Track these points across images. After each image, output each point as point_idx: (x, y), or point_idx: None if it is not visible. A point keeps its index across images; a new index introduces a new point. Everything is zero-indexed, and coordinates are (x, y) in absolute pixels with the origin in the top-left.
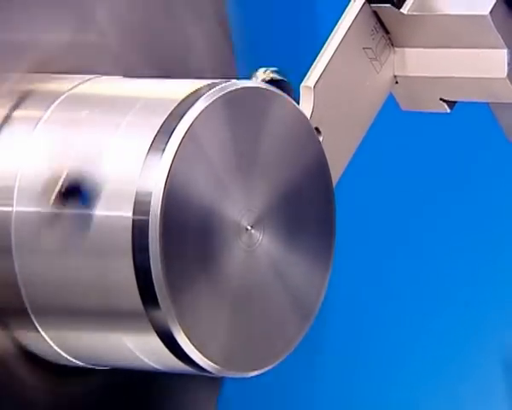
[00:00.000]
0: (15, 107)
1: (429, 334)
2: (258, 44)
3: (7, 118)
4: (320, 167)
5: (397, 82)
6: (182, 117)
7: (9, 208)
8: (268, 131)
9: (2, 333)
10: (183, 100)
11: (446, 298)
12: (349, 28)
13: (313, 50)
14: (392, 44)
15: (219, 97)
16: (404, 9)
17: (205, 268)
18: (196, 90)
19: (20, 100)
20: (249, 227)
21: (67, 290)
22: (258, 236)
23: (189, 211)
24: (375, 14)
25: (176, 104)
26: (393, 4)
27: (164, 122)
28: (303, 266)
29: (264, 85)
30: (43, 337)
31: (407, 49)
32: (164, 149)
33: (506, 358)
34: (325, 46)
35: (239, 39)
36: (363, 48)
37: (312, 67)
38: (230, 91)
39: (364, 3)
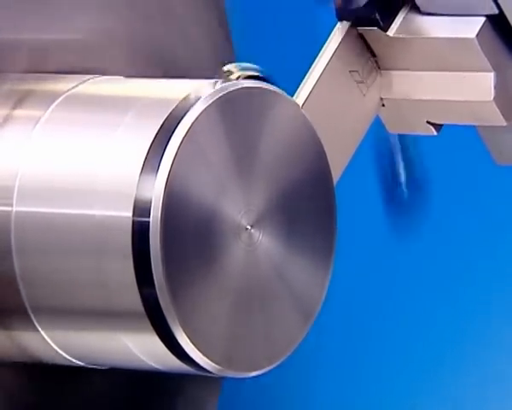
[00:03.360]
0: (15, 106)
1: (430, 334)
2: (257, 44)
3: (7, 118)
4: (321, 167)
5: (383, 105)
6: (182, 117)
7: (9, 208)
8: (268, 130)
9: (3, 333)
10: (183, 100)
11: (447, 299)
12: (335, 51)
13: (313, 51)
14: (379, 67)
15: (219, 97)
16: (391, 32)
17: (205, 268)
18: (196, 91)
19: (20, 100)
20: (249, 227)
21: (67, 290)
22: (257, 235)
23: (189, 211)
24: (362, 36)
25: (175, 104)
26: (379, 27)
27: (164, 122)
28: (304, 266)
29: (264, 85)
30: (43, 337)
31: (394, 72)
32: (164, 150)
33: (506, 358)
34: (311, 69)
35: (239, 39)
36: (350, 71)
37: (298, 89)
38: (230, 91)
39: (350, 26)
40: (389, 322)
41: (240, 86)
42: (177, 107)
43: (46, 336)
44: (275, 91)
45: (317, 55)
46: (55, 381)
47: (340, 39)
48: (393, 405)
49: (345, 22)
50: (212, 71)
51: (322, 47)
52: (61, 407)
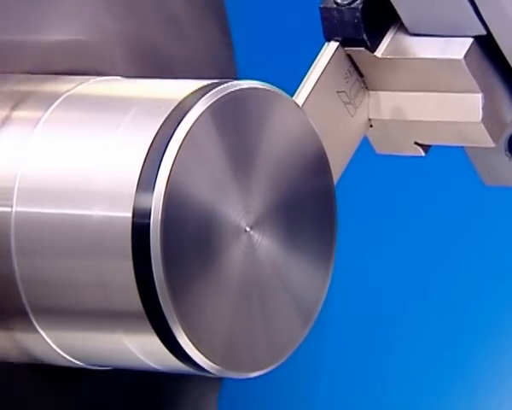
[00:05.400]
0: (15, 107)
1: (429, 335)
2: (258, 44)
3: (7, 118)
4: (321, 168)
5: (371, 125)
6: (181, 118)
7: (9, 209)
8: (268, 130)
9: (3, 333)
10: (183, 101)
11: (447, 300)
12: (322, 72)
13: (313, 51)
14: (367, 88)
15: (219, 98)
16: (378, 53)
17: (205, 269)
18: (196, 91)
19: (20, 100)
20: (248, 228)
21: (67, 291)
22: (257, 237)
23: (189, 212)
24: (349, 57)
25: (175, 105)
26: (367, 48)
27: (163, 123)
28: (304, 267)
29: (263, 85)
30: (43, 337)
31: (381, 93)
32: (164, 151)
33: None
34: (299, 89)
35: (239, 39)
36: (337, 91)
37: None
38: (231, 92)
39: (338, 47)
40: (389, 322)
41: (239, 87)
42: (176, 107)
43: (46, 337)
44: (275, 92)
45: (316, 55)
46: (55, 381)
47: (327, 60)
48: (393, 405)
49: (332, 42)
50: (211, 71)
51: (321, 47)
52: (60, 407)
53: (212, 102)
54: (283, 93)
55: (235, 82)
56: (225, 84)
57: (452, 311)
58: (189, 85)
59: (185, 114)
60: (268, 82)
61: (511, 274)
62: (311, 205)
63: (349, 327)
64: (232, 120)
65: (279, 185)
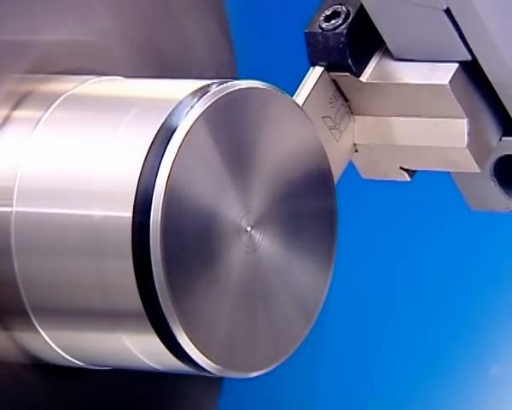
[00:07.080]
0: (15, 107)
1: (429, 334)
2: (258, 44)
3: (7, 118)
4: (321, 167)
5: (357, 150)
6: (182, 118)
7: (9, 209)
8: (268, 130)
9: (3, 333)
10: (183, 100)
11: (447, 300)
12: (307, 97)
13: None
14: (352, 112)
15: (219, 98)
16: (364, 78)
17: (205, 269)
18: (196, 91)
19: (20, 100)
20: (249, 228)
21: (67, 291)
22: (258, 237)
23: (188, 212)
24: (334, 82)
25: (175, 105)
26: (352, 73)
27: (163, 123)
28: (304, 267)
29: (263, 85)
30: (43, 337)
31: (367, 118)
32: (164, 151)
33: (504, 358)
34: None
35: (239, 39)
36: (322, 117)
37: None
38: (230, 92)
39: (323, 72)
40: (389, 322)
41: (239, 87)
42: (176, 107)
43: (46, 337)
44: (274, 91)
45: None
46: (55, 381)
47: (312, 85)
48: (393, 405)
49: (317, 67)
50: (211, 71)
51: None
52: (60, 407)
53: (211, 102)
54: (283, 93)
55: (235, 82)
56: (225, 84)
57: (451, 311)
58: (189, 85)
59: (185, 114)
60: (268, 82)
61: (501, 279)
62: (311, 204)
63: (349, 327)
64: (232, 119)
65: (280, 185)
